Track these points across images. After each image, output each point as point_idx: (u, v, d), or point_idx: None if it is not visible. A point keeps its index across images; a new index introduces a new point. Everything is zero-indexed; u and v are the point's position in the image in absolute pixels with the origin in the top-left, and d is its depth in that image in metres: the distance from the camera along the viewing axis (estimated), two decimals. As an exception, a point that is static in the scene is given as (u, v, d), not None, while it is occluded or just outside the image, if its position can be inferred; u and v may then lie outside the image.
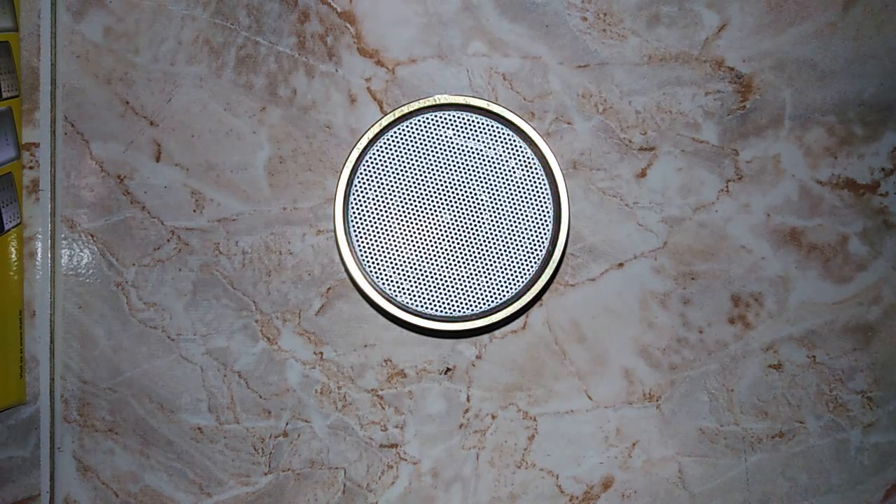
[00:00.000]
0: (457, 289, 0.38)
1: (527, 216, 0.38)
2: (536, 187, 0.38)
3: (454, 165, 0.38)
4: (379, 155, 0.38)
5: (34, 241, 0.41)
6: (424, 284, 0.38)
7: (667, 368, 0.42)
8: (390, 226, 0.37)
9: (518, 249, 0.38)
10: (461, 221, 0.38)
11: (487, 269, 0.38)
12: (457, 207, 0.38)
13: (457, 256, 0.38)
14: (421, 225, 0.38)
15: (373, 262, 0.37)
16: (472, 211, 0.38)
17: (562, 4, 0.42)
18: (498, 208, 0.38)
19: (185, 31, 0.41)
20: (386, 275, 0.37)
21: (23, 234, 0.41)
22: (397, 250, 0.37)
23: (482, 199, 0.38)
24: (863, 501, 0.43)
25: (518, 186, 0.38)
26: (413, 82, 0.41)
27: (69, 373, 0.41)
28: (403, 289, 0.37)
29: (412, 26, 0.41)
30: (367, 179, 0.37)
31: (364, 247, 0.37)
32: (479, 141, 0.38)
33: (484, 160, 0.38)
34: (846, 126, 0.42)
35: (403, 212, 0.37)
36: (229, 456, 0.42)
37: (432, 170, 0.38)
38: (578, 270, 0.42)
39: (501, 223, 0.38)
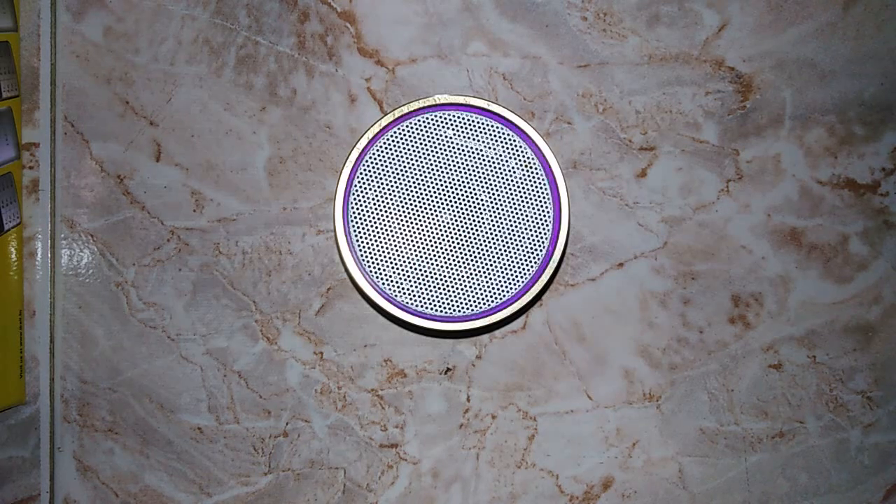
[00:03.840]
0: (457, 289, 0.38)
1: (527, 216, 0.38)
2: (536, 187, 0.38)
3: (454, 165, 0.38)
4: (379, 155, 0.38)
5: (34, 241, 0.41)
6: (424, 284, 0.38)
7: (667, 368, 0.42)
8: (390, 226, 0.37)
9: (518, 249, 0.38)
10: (461, 221, 0.38)
11: (487, 269, 0.38)
12: (457, 207, 0.38)
13: (457, 256, 0.38)
14: (421, 225, 0.38)
15: (373, 262, 0.37)
16: (472, 211, 0.38)
17: (562, 4, 0.42)
18: (498, 208, 0.38)
19: (185, 30, 0.41)
20: (386, 275, 0.37)
21: (23, 234, 0.41)
22: (397, 250, 0.37)
23: (482, 199, 0.38)
24: (863, 501, 0.43)
25: (518, 186, 0.38)
26: (413, 82, 0.41)
27: (69, 373, 0.41)
28: (403, 289, 0.37)
29: (412, 26, 0.41)
30: (367, 179, 0.37)
31: (364, 247, 0.37)
32: (479, 141, 0.38)
33: (484, 160, 0.38)
34: (846, 126, 0.42)
35: (403, 212, 0.37)
36: (229, 456, 0.42)
37: (432, 170, 0.38)
38: (578, 270, 0.42)
39: (501, 223, 0.38)
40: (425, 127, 0.38)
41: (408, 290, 0.37)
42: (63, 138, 0.41)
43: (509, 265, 0.38)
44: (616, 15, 0.42)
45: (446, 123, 0.38)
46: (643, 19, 0.42)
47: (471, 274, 0.38)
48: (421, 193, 0.38)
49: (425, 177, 0.38)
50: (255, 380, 0.42)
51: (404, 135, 0.38)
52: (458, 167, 0.38)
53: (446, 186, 0.38)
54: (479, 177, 0.38)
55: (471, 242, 0.38)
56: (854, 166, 0.43)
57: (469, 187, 0.38)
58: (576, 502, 0.43)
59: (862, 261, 0.43)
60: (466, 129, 0.38)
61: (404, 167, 0.37)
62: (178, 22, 0.41)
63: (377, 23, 0.41)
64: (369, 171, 0.37)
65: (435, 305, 0.38)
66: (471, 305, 0.38)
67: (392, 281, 0.37)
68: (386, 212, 0.37)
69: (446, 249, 0.38)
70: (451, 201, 0.38)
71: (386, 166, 0.37)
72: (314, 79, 0.41)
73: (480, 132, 0.38)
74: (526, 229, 0.38)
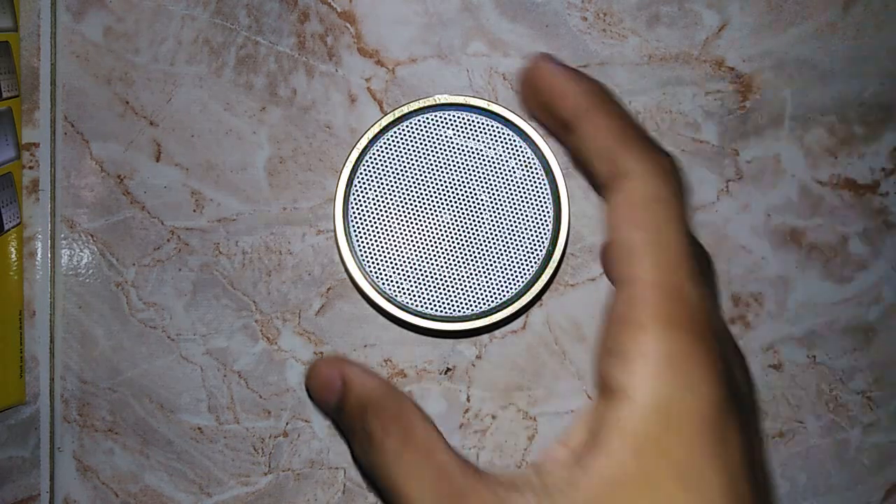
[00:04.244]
0: (457, 289, 0.38)
1: (527, 216, 0.38)
2: (536, 187, 0.38)
3: (454, 165, 0.38)
4: (379, 155, 0.38)
5: (34, 241, 0.41)
6: (424, 284, 0.38)
7: (667, 368, 0.42)
8: (390, 226, 0.37)
9: (518, 249, 0.38)
10: (461, 221, 0.38)
11: (487, 269, 0.38)
12: (457, 207, 0.38)
13: (457, 256, 0.38)
14: (421, 225, 0.38)
15: (373, 262, 0.37)
16: (472, 211, 0.38)
17: (562, 4, 0.42)
18: (498, 208, 0.38)
19: (185, 30, 0.41)
20: (386, 275, 0.37)
21: (23, 234, 0.41)
22: (397, 250, 0.37)
23: (482, 199, 0.38)
24: (863, 502, 0.43)
25: (518, 186, 0.38)
26: (413, 82, 0.41)
27: (69, 373, 0.41)
28: (403, 289, 0.37)
29: (412, 26, 0.41)
30: (367, 179, 0.37)
31: (364, 247, 0.37)
32: (479, 141, 0.38)
33: (484, 160, 0.38)
34: (846, 126, 0.42)
35: (403, 212, 0.37)
36: (229, 456, 0.42)
37: (432, 170, 0.38)
38: (578, 270, 0.42)
39: (501, 223, 0.38)
40: (425, 127, 0.38)
41: (408, 290, 0.37)
42: (63, 138, 0.41)
43: (509, 265, 0.38)
44: (616, 15, 0.42)
45: (446, 124, 0.38)
46: (643, 19, 0.42)
47: (471, 274, 0.38)
48: (421, 193, 0.38)
49: (425, 177, 0.38)
50: (255, 380, 0.42)
51: (404, 135, 0.38)
52: (459, 167, 0.38)
53: (446, 186, 0.38)
54: (479, 177, 0.38)
55: (471, 242, 0.38)
56: (854, 166, 0.43)
57: (469, 187, 0.38)
58: (576, 502, 0.43)
59: (862, 261, 0.43)
60: (466, 129, 0.38)
61: (404, 167, 0.37)
62: (178, 22, 0.41)
63: (377, 23, 0.41)
64: (369, 171, 0.37)
65: (435, 305, 0.38)
66: (471, 305, 0.38)
67: (392, 281, 0.37)
68: (386, 212, 0.37)
69: (446, 249, 0.38)
70: (451, 201, 0.38)
71: (386, 166, 0.37)
72: (314, 79, 0.41)
73: (480, 132, 0.38)
74: (526, 229, 0.38)
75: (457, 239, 0.38)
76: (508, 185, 0.38)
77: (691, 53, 0.42)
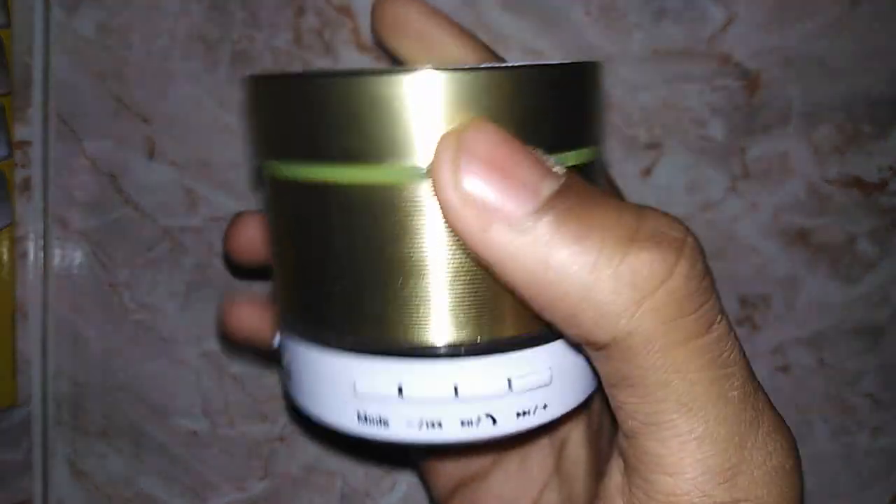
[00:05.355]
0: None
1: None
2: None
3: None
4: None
5: (26, 241, 0.41)
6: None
7: (672, 371, 0.42)
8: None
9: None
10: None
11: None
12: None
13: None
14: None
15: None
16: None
17: (564, -1, 0.41)
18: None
19: (180, 26, 0.40)
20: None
21: (14, 235, 0.40)
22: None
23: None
24: (872, 506, 0.43)
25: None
26: (412, 79, 0.41)
27: (61, 375, 0.41)
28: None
29: (411, 21, 0.41)
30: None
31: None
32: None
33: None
34: (854, 123, 0.42)
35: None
36: (224, 461, 0.41)
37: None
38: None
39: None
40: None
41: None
42: (55, 136, 0.41)
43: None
44: (620, 9, 0.41)
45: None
46: (648, 13, 0.41)
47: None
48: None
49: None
50: (251, 383, 0.41)
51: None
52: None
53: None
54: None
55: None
56: (862, 164, 0.42)
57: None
58: None
59: (870, 261, 0.42)
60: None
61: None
62: (173, 17, 0.40)
63: (376, 18, 0.41)
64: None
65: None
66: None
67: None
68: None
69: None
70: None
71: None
72: (311, 75, 0.41)
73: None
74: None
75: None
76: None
77: (697, 49, 0.41)
